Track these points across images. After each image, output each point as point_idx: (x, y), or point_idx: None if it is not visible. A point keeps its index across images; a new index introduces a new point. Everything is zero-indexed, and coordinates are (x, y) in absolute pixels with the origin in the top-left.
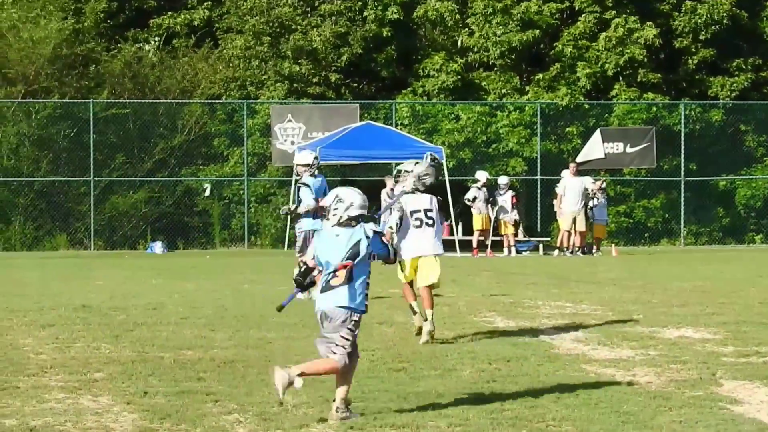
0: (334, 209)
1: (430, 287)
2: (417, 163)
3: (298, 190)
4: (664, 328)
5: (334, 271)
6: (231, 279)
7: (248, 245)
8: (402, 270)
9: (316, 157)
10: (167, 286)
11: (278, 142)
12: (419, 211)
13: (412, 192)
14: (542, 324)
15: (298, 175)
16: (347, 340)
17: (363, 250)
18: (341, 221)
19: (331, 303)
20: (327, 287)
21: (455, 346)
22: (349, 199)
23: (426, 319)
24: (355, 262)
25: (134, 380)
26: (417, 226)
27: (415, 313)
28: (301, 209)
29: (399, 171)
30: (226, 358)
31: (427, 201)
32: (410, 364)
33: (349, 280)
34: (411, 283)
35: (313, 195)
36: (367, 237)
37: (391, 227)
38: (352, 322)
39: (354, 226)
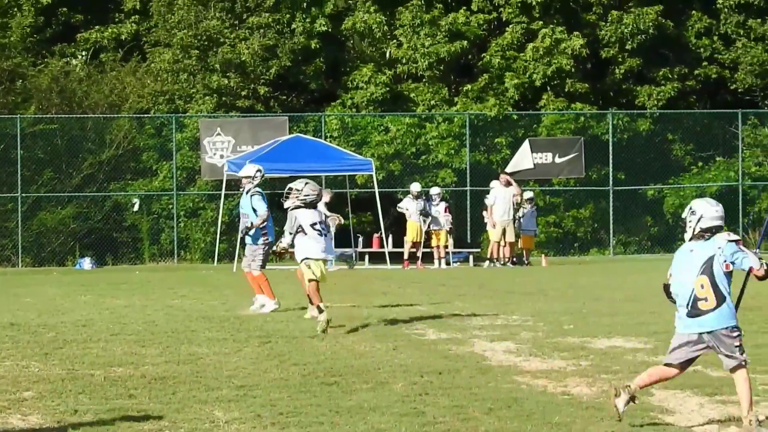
0: (688, 221)
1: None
2: (307, 183)
3: (251, 200)
4: (595, 338)
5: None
6: (161, 294)
7: (178, 260)
8: (309, 269)
9: (259, 170)
10: (97, 303)
11: (207, 156)
12: (316, 223)
13: (299, 207)
14: (474, 336)
15: (242, 187)
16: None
17: (716, 264)
18: (694, 234)
19: (715, 325)
20: (696, 312)
21: (387, 359)
22: (701, 210)
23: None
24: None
25: (64, 398)
26: (318, 235)
27: (321, 311)
28: (258, 221)
29: (289, 188)
30: (157, 375)
31: (318, 215)
32: (342, 378)
33: (721, 301)
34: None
35: (266, 203)
36: (719, 248)
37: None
38: (737, 333)
39: (707, 239)
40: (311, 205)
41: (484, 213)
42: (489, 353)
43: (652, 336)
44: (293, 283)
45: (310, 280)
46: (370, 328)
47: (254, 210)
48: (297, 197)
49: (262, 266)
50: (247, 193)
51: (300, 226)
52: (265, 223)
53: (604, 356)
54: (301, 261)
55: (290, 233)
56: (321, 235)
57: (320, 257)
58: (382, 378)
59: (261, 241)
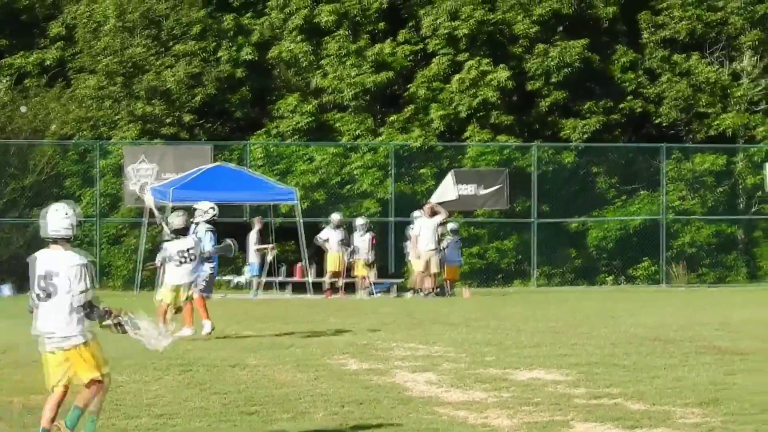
0: None
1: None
2: (180, 215)
3: (205, 236)
4: (516, 370)
5: None
6: None
7: (100, 286)
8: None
9: (212, 207)
10: (16, 329)
11: (131, 183)
12: (182, 251)
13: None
14: (395, 366)
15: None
16: None
17: None
18: None
19: None
20: None
21: (308, 388)
22: None
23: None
24: None
25: None
26: (177, 264)
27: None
28: (211, 251)
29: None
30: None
31: (186, 243)
32: (263, 407)
33: None
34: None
35: (214, 242)
36: None
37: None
38: None
39: None
40: (180, 232)
41: (406, 243)
42: (410, 384)
43: (573, 368)
44: (219, 310)
45: (161, 301)
46: (291, 358)
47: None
48: (168, 228)
49: (204, 291)
50: (196, 225)
51: (168, 255)
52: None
53: (525, 388)
54: (165, 285)
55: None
56: (184, 263)
57: (179, 283)
58: (303, 408)
59: (209, 267)
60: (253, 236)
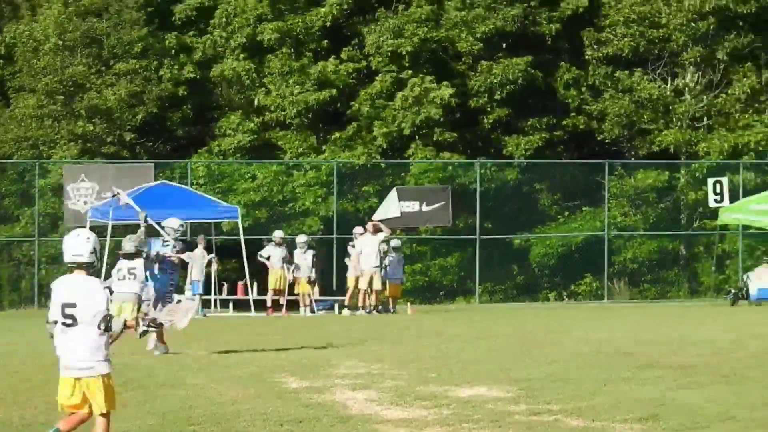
0: None
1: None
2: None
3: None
4: (457, 387)
5: None
6: (21, 340)
7: (39, 306)
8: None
9: (182, 225)
10: None
11: (71, 202)
12: (120, 269)
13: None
14: (336, 384)
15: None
16: None
17: None
18: None
19: None
20: None
21: (248, 407)
22: None
23: None
24: None
25: None
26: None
27: None
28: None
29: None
30: (13, 423)
31: (127, 263)
32: (201, 427)
33: None
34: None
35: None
36: None
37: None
38: None
39: None
40: (129, 257)
41: (347, 260)
42: (350, 402)
43: (514, 384)
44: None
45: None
46: (231, 376)
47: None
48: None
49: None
50: (165, 243)
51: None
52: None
53: (466, 405)
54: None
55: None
56: (122, 279)
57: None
58: (242, 427)
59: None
60: (198, 254)
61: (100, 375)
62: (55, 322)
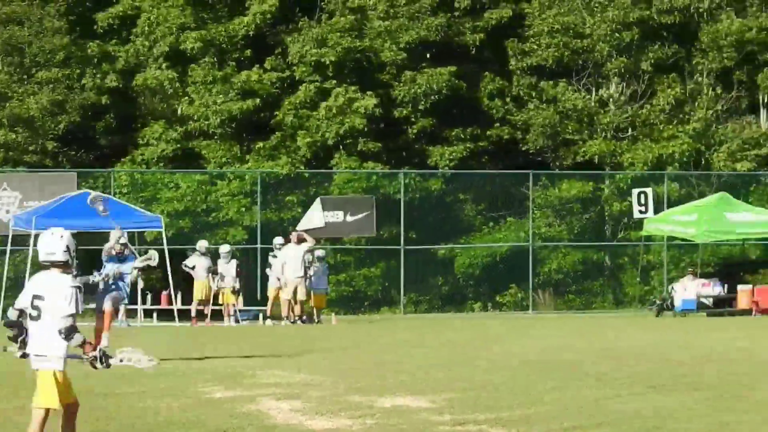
0: None
1: None
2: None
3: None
4: (381, 397)
5: None
6: None
7: None
8: None
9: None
10: None
11: None
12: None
13: None
14: (260, 394)
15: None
16: None
17: None
18: None
19: None
20: None
21: (173, 417)
22: None
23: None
24: None
25: None
26: None
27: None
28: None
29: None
30: None
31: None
32: None
33: None
34: None
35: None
36: None
37: None
38: None
39: None
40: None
41: (268, 271)
42: (275, 412)
43: (438, 394)
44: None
45: None
46: (156, 386)
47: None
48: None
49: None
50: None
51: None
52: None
53: (390, 415)
54: None
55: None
56: None
57: None
58: None
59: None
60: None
61: (53, 369)
62: (20, 311)
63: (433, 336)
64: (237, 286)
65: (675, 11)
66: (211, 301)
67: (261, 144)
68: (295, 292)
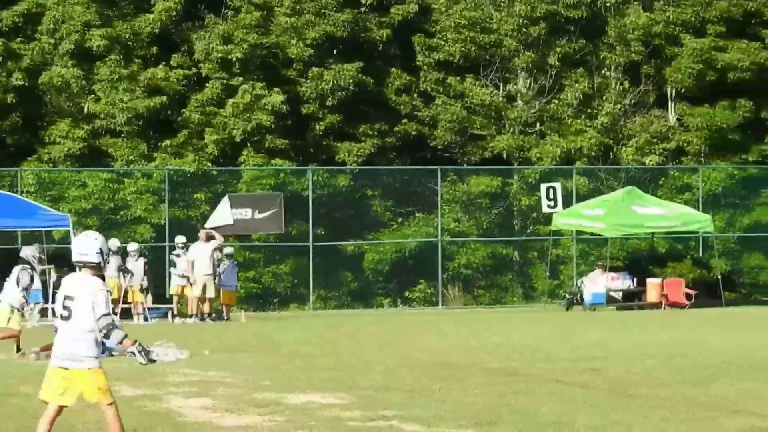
0: None
1: None
2: None
3: None
4: (291, 394)
5: None
6: None
7: None
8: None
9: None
10: None
11: None
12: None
13: None
14: (170, 392)
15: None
16: None
17: None
18: None
19: None
20: None
21: (80, 416)
22: None
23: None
24: None
25: None
26: None
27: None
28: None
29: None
30: None
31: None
32: None
33: None
34: None
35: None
36: None
37: None
38: None
39: None
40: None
41: (172, 270)
42: (184, 410)
43: (348, 391)
44: None
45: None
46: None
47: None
48: None
49: None
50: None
51: None
52: None
53: (300, 412)
54: None
55: None
56: None
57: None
58: None
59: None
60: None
61: (89, 368)
62: (60, 316)
63: (342, 333)
64: (145, 284)
65: (582, 5)
66: (121, 300)
67: (168, 141)
68: (204, 290)
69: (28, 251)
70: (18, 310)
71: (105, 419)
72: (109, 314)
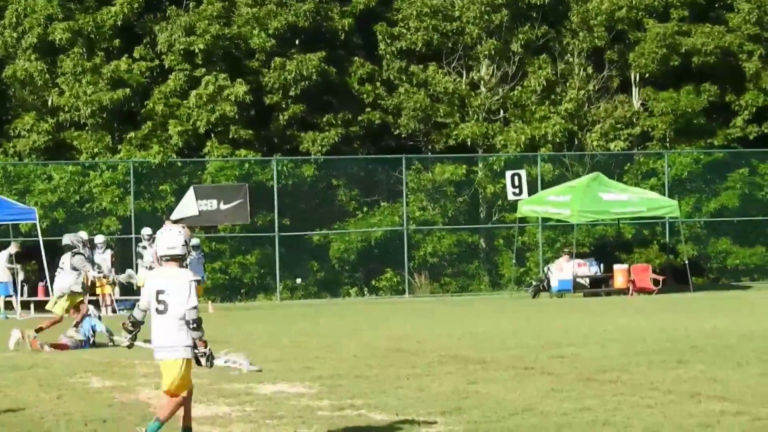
0: None
1: None
2: None
3: None
4: (260, 384)
5: None
6: None
7: None
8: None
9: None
10: None
11: None
12: None
13: None
14: (139, 383)
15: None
16: None
17: None
18: None
19: None
20: None
21: (50, 407)
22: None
23: None
24: None
25: None
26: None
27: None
28: None
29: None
30: None
31: None
32: (4, 428)
33: None
34: None
35: None
36: None
37: None
38: None
39: None
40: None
41: (140, 261)
42: (154, 401)
43: (316, 381)
44: None
45: None
46: (34, 378)
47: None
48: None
49: None
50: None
51: None
52: None
53: (269, 401)
54: None
55: None
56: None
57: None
58: (46, 428)
59: None
60: (3, 256)
61: (181, 358)
62: (145, 310)
63: (309, 322)
64: (112, 276)
65: None
66: (89, 292)
67: (132, 134)
68: None
69: (70, 238)
70: (76, 293)
71: (160, 403)
72: (197, 307)
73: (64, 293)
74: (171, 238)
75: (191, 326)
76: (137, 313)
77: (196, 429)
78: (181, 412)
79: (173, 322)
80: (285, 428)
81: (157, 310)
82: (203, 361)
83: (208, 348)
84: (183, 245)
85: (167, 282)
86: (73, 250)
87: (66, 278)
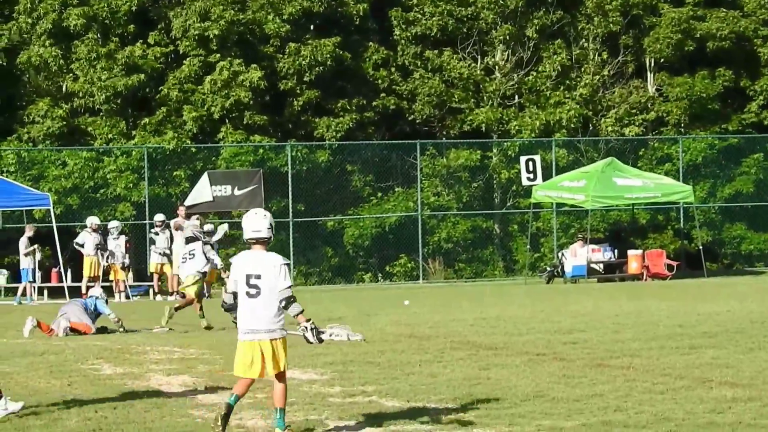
0: None
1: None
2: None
3: None
4: None
5: None
6: None
7: None
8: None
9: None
10: None
11: None
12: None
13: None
14: (150, 370)
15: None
16: None
17: None
18: None
19: None
20: None
21: (60, 393)
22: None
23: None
24: None
25: None
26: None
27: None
28: None
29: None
30: None
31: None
32: (15, 415)
33: None
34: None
35: None
36: None
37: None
38: None
39: None
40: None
41: (153, 248)
42: (165, 387)
43: (328, 367)
44: None
45: None
46: (45, 364)
47: None
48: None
49: None
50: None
51: None
52: None
53: None
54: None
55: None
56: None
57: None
58: (56, 414)
59: None
60: (23, 241)
61: (281, 338)
62: (234, 294)
63: (322, 308)
64: (126, 262)
65: None
66: (101, 278)
67: (147, 119)
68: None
69: (192, 230)
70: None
71: (276, 387)
72: (290, 287)
73: (197, 278)
74: (256, 221)
75: (291, 303)
76: (227, 297)
77: (207, 415)
78: (241, 388)
79: (267, 305)
80: (296, 415)
81: (248, 294)
82: (309, 336)
83: (311, 321)
84: (268, 228)
85: (257, 266)
86: (203, 240)
87: (195, 263)
